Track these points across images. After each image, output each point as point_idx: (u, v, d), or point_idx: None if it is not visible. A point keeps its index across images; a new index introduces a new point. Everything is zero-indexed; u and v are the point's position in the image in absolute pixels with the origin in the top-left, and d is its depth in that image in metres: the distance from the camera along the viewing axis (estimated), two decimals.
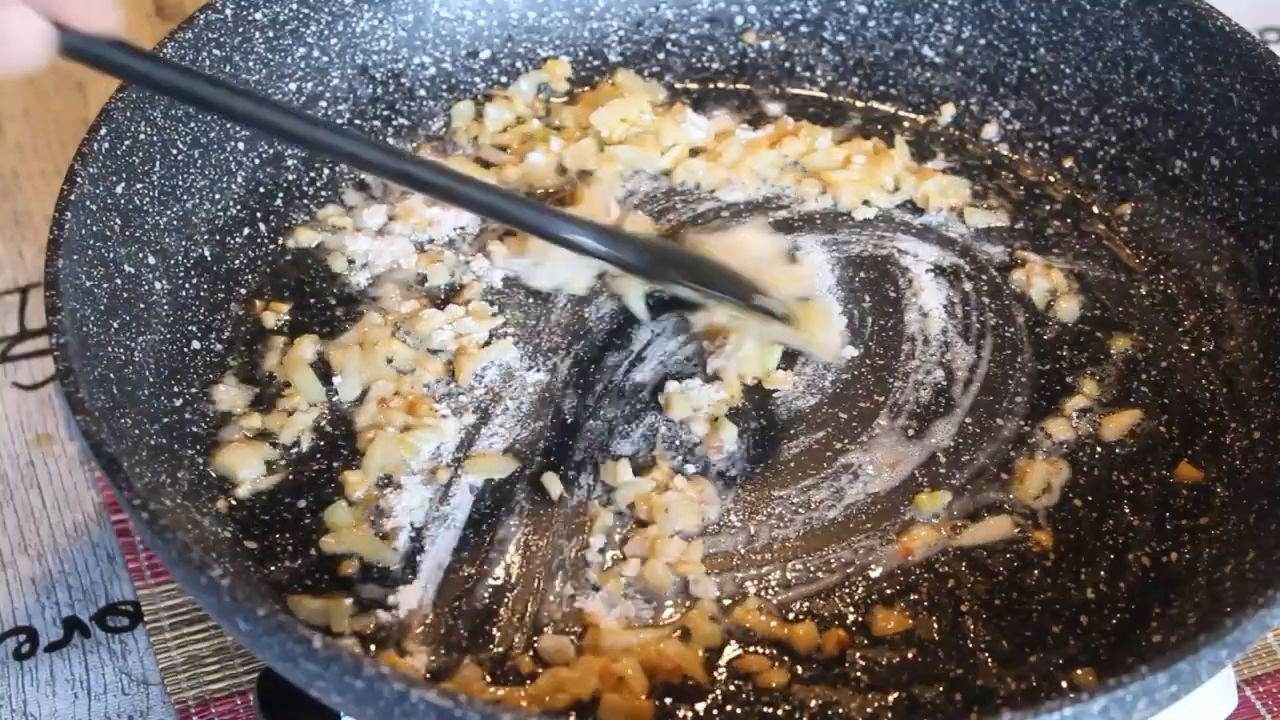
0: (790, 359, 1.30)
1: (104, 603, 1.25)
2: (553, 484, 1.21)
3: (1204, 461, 1.24)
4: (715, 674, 1.10)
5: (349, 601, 1.13)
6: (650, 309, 1.32)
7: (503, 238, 1.38)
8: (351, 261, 1.36)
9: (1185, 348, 1.33)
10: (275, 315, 1.32)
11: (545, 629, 1.12)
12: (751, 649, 1.12)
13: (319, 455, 1.22)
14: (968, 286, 1.37)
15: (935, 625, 1.13)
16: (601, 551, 1.17)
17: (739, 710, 1.08)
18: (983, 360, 1.31)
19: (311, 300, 1.33)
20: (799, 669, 1.11)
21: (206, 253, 1.30)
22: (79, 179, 1.16)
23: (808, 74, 1.54)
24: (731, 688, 1.09)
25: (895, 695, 1.09)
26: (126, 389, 1.15)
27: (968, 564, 1.17)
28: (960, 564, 1.17)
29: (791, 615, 1.14)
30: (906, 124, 1.51)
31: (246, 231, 1.35)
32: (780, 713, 1.08)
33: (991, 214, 1.43)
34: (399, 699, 0.90)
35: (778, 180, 1.45)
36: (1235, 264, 1.34)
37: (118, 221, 1.20)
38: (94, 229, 1.17)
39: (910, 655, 1.12)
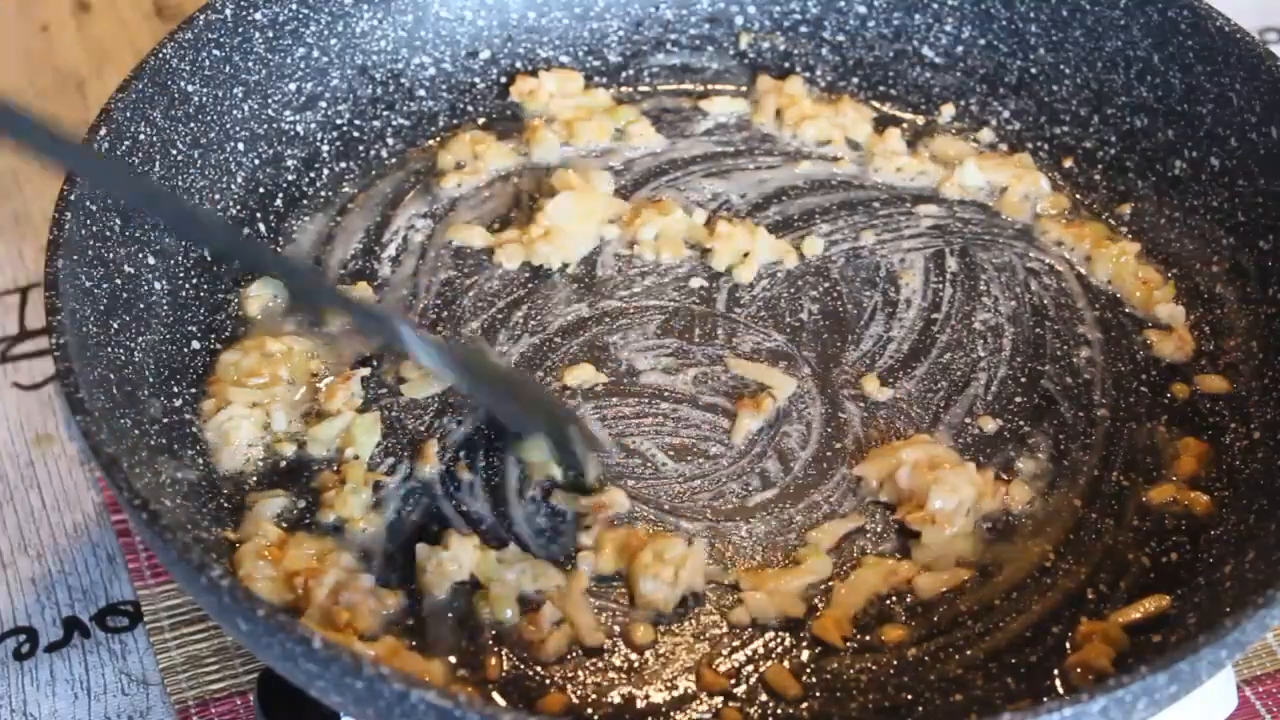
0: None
1: (104, 603, 1.25)
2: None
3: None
4: (714, 675, 1.10)
5: None
6: None
7: None
8: (351, 259, 1.37)
9: None
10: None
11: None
12: (751, 650, 1.12)
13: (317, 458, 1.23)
14: (966, 286, 1.37)
15: (935, 626, 1.13)
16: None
17: (740, 712, 1.08)
18: (983, 360, 1.32)
19: None
20: (799, 670, 1.11)
21: (206, 253, 1.30)
22: (79, 179, 1.16)
23: (807, 74, 1.53)
24: (731, 689, 1.09)
25: (895, 695, 1.09)
26: (126, 389, 1.14)
27: (968, 565, 1.17)
28: (960, 566, 1.17)
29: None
30: (906, 124, 1.51)
31: (246, 232, 1.35)
32: (781, 714, 1.08)
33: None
34: (399, 699, 0.90)
35: None
36: (1235, 264, 1.34)
37: (118, 221, 1.20)
38: (94, 229, 1.17)
39: (910, 655, 1.12)
